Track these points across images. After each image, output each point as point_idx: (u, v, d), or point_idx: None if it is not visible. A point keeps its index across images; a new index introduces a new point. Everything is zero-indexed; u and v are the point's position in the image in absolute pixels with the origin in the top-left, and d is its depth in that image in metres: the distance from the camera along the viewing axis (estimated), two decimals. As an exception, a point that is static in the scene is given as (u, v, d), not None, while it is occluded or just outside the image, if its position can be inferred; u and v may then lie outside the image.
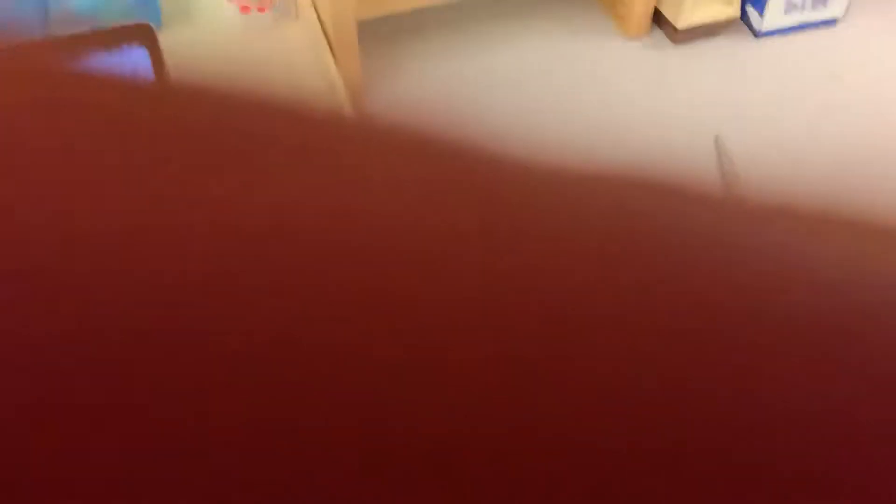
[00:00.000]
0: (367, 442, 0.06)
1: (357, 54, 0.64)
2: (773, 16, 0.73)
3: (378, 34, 0.73)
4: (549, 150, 0.08)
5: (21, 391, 0.06)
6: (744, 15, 0.75)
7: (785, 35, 0.76)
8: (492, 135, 0.08)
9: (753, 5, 0.74)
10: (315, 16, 0.67)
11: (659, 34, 0.75)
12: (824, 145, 0.68)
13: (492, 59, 0.72)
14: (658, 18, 0.74)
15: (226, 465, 0.06)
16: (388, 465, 0.06)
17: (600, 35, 0.75)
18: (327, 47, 0.63)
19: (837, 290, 0.07)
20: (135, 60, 0.54)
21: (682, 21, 0.71)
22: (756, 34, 0.75)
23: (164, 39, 0.54)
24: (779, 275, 0.07)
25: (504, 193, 0.07)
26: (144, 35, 0.54)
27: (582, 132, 0.67)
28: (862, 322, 0.07)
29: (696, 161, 0.66)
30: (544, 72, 0.72)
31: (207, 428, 0.06)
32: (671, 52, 0.74)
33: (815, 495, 0.06)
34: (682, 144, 0.67)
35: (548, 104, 0.70)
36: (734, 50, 0.74)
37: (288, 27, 0.73)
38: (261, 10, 0.71)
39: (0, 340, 0.06)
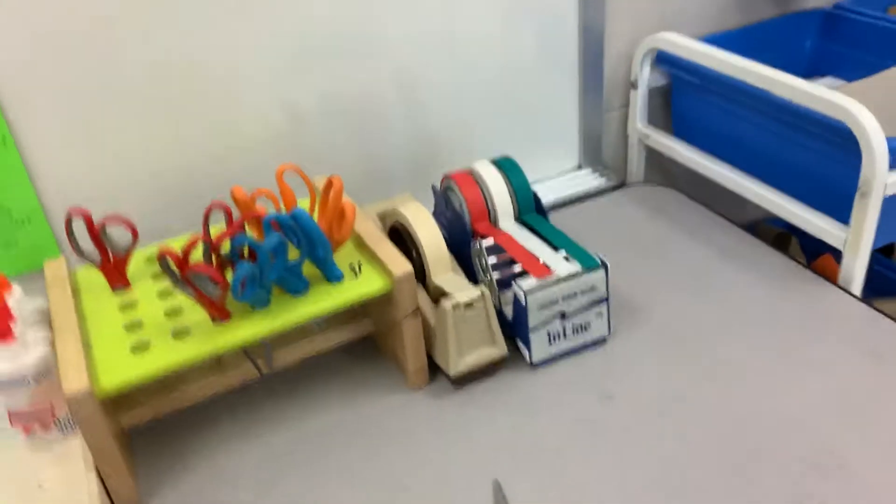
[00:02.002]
0: None
1: (122, 465, 0.66)
2: (540, 348, 0.78)
3: (161, 431, 0.75)
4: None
5: None
6: (518, 350, 0.79)
7: (558, 361, 0.79)
8: None
9: (521, 340, 0.78)
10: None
11: (442, 382, 0.78)
12: (595, 475, 0.67)
13: (285, 425, 0.74)
14: (439, 367, 0.78)
15: None
16: None
17: (391, 389, 0.78)
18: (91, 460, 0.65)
19: None
20: None
21: (453, 369, 0.75)
22: (531, 365, 0.79)
23: None
24: None
25: None
26: None
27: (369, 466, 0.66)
28: None
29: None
30: (336, 428, 0.74)
31: None
32: (452, 396, 0.77)
33: None
34: (463, 488, 0.67)
35: (337, 458, 0.70)
36: (512, 384, 0.77)
37: (72, 442, 0.75)
38: (44, 428, 0.74)
39: None
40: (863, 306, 0.84)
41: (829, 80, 1.18)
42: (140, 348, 0.66)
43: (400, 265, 0.72)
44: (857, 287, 0.86)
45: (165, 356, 0.65)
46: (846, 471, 0.65)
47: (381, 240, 0.76)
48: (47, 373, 0.72)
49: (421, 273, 0.79)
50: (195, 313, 0.70)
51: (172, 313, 0.70)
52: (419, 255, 0.78)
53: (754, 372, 0.76)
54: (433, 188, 0.90)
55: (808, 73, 1.20)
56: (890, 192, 0.80)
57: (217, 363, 0.76)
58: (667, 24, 1.11)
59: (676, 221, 1.02)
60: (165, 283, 0.75)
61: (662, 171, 1.19)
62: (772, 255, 0.94)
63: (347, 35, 0.92)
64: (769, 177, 0.96)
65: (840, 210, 0.85)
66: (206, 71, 0.86)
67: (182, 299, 0.72)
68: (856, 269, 0.85)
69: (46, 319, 0.77)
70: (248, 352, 0.74)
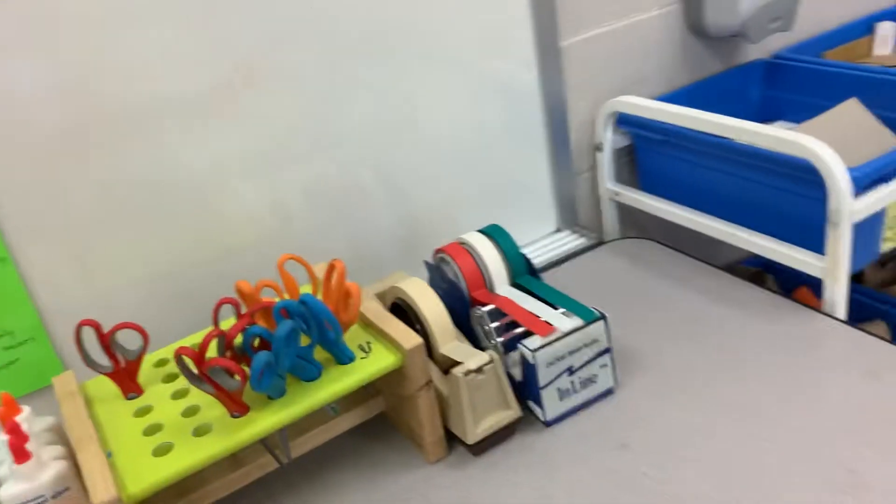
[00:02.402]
0: None
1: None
2: (552, 405, 0.79)
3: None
4: None
5: None
6: (531, 410, 0.81)
7: (572, 417, 0.80)
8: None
9: (533, 400, 0.80)
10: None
11: (460, 451, 0.79)
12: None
13: None
14: (455, 437, 0.78)
15: None
16: None
17: (409, 465, 0.79)
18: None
19: None
20: None
21: (471, 437, 0.76)
22: (546, 424, 0.80)
23: None
24: None
25: None
26: None
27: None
28: None
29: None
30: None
31: None
32: (472, 465, 0.77)
33: None
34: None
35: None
36: (529, 445, 0.78)
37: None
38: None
39: None
40: (851, 329, 0.87)
41: (780, 123, 1.25)
42: (162, 451, 0.66)
43: (409, 338, 0.73)
44: (841, 312, 0.90)
45: (190, 455, 0.65)
46: (868, 487, 0.66)
47: (386, 317, 0.78)
48: (64, 489, 0.71)
49: (427, 345, 0.80)
50: (212, 410, 0.70)
51: (189, 413, 0.71)
52: (423, 327, 0.80)
53: (761, 404, 0.78)
54: (426, 263, 0.92)
55: (760, 119, 1.27)
56: (857, 219, 0.85)
57: (233, 458, 0.76)
58: (622, 90, 1.18)
59: (657, 270, 1.06)
60: (177, 385, 0.75)
61: (637, 225, 1.23)
62: (754, 291, 0.97)
63: (320, 132, 0.95)
64: (738, 219, 1.01)
65: (813, 241, 0.90)
66: (191, 179, 0.89)
67: (197, 398, 0.72)
68: (837, 294, 0.89)
69: (58, 436, 0.76)
70: (266, 443, 0.74)
